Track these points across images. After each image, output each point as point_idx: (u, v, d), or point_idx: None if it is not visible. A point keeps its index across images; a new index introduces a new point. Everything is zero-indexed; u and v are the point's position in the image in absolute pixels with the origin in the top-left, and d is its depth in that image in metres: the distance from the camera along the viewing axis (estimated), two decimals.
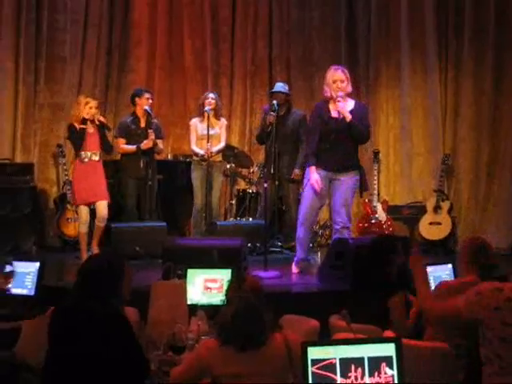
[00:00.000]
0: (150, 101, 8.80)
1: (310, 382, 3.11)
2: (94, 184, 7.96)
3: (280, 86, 8.96)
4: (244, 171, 9.91)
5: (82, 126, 7.85)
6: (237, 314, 3.54)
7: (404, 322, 4.92)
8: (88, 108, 7.86)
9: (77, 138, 7.87)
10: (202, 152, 8.77)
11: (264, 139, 8.57)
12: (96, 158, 7.97)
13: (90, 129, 7.93)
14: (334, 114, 7.02)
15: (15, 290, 5.59)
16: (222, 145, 8.99)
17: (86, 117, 7.85)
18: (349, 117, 6.90)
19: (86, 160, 7.88)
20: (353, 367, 3.13)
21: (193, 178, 8.93)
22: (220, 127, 8.98)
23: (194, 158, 9.01)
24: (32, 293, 5.53)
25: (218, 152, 8.94)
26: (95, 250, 7.89)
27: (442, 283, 4.52)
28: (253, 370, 3.44)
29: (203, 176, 8.80)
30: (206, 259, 6.36)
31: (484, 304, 3.60)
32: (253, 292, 3.75)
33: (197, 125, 8.98)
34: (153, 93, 9.26)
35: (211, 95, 9.00)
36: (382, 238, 6.29)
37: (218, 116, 8.99)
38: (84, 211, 7.96)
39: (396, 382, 3.16)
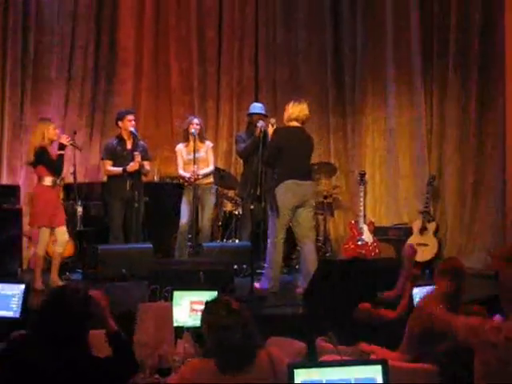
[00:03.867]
0: (133, 122, 8.77)
1: None
2: (56, 209, 7.85)
3: (259, 108, 9.00)
4: (230, 193, 9.91)
5: (61, 152, 7.74)
6: (223, 340, 3.51)
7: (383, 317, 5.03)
8: (52, 129, 7.71)
9: (56, 164, 7.71)
10: (187, 175, 8.75)
11: (250, 154, 8.69)
12: (61, 183, 7.90)
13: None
14: None
15: (0, 312, 5.55)
16: (210, 168, 8.97)
17: (65, 143, 7.78)
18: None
19: (53, 185, 7.73)
20: None
21: (183, 202, 8.89)
22: (206, 150, 8.96)
23: (184, 183, 8.97)
24: (17, 315, 5.49)
25: (206, 175, 8.90)
26: (56, 282, 7.69)
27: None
28: None
29: (193, 200, 8.78)
30: (193, 281, 6.35)
31: (482, 337, 3.54)
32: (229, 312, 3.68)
33: (182, 150, 8.96)
34: (135, 112, 9.22)
35: (195, 120, 8.97)
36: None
37: (202, 139, 8.98)
38: (47, 233, 7.79)
39: None
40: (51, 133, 7.73)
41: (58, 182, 7.77)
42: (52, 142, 7.77)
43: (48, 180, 7.72)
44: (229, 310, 3.55)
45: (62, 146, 7.76)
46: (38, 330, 3.48)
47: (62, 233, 7.87)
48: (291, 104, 7.70)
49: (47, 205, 7.73)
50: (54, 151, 7.79)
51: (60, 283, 7.62)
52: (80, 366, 3.38)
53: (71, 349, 3.40)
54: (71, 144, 8.01)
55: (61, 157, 7.76)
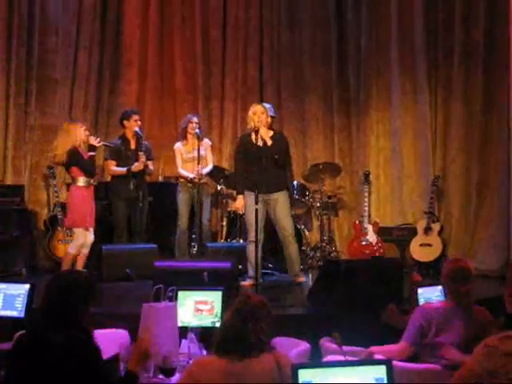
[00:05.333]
0: (139, 122, 8.81)
1: None
2: (90, 210, 7.97)
3: (269, 109, 8.96)
4: (235, 193, 9.88)
5: (92, 154, 7.94)
6: (225, 322, 3.61)
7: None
8: (83, 131, 7.93)
9: (88, 166, 7.88)
10: (191, 175, 8.74)
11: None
12: (94, 182, 8.06)
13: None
14: (259, 142, 7.66)
15: (4, 312, 5.55)
16: (210, 166, 8.99)
17: (97, 144, 7.96)
18: (269, 142, 7.68)
19: (87, 185, 7.88)
20: None
21: (179, 200, 8.90)
22: (205, 149, 8.93)
23: (181, 180, 8.97)
24: (22, 315, 5.50)
25: (207, 174, 8.93)
26: None
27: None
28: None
29: (189, 198, 8.81)
30: (197, 281, 6.35)
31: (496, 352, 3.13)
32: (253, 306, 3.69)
33: (180, 149, 8.96)
34: (140, 112, 9.27)
35: (195, 119, 8.97)
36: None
37: (201, 137, 8.94)
38: (83, 234, 7.89)
39: None
40: (83, 134, 7.95)
41: (91, 181, 7.95)
42: (83, 143, 7.92)
43: (82, 180, 7.88)
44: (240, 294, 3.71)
45: (92, 148, 7.91)
46: (43, 307, 3.64)
47: (90, 234, 8.00)
48: (269, 112, 7.80)
49: (83, 205, 7.87)
50: (84, 152, 7.97)
51: None
52: (76, 347, 3.47)
53: (70, 330, 3.50)
54: (103, 144, 8.22)
55: (93, 158, 7.90)
